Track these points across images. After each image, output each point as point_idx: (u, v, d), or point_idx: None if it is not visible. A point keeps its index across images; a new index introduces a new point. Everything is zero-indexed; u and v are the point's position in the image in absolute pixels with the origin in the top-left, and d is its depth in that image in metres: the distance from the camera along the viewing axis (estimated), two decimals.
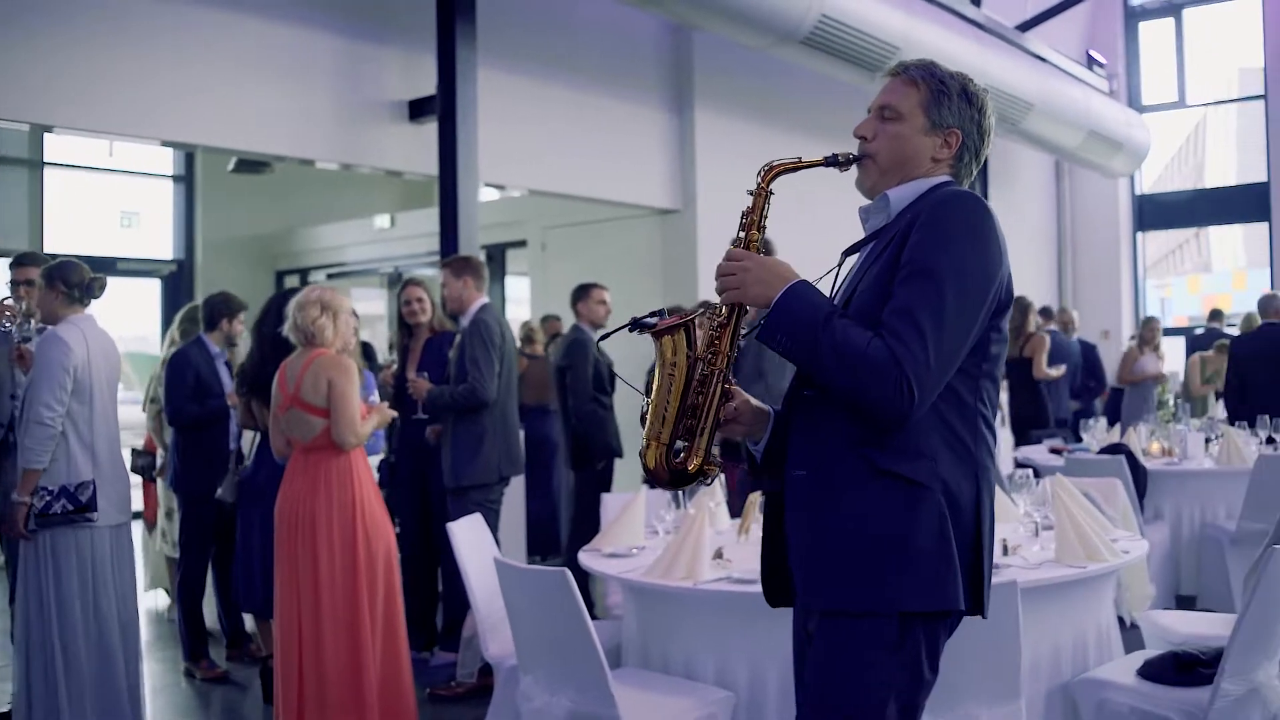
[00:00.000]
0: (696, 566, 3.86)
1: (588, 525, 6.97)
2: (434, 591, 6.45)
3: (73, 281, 4.87)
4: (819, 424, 2.43)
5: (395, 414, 5.16)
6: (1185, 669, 3.67)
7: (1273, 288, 15.37)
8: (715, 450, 2.54)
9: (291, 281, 14.50)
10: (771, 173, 2.54)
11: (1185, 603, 6.84)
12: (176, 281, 12.90)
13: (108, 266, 12.00)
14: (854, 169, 2.59)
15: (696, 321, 2.52)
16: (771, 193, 2.55)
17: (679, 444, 2.48)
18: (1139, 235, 17.31)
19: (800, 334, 2.32)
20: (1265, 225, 16.01)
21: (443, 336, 6.34)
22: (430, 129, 8.20)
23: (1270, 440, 7.32)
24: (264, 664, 5.70)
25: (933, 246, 2.32)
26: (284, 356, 5.47)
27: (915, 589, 2.30)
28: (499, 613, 4.42)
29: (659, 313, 2.54)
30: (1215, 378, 11.56)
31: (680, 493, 4.55)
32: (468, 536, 4.59)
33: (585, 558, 4.46)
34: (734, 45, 9.49)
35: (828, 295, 2.53)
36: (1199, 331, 13.27)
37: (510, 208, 12.24)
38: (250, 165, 11.53)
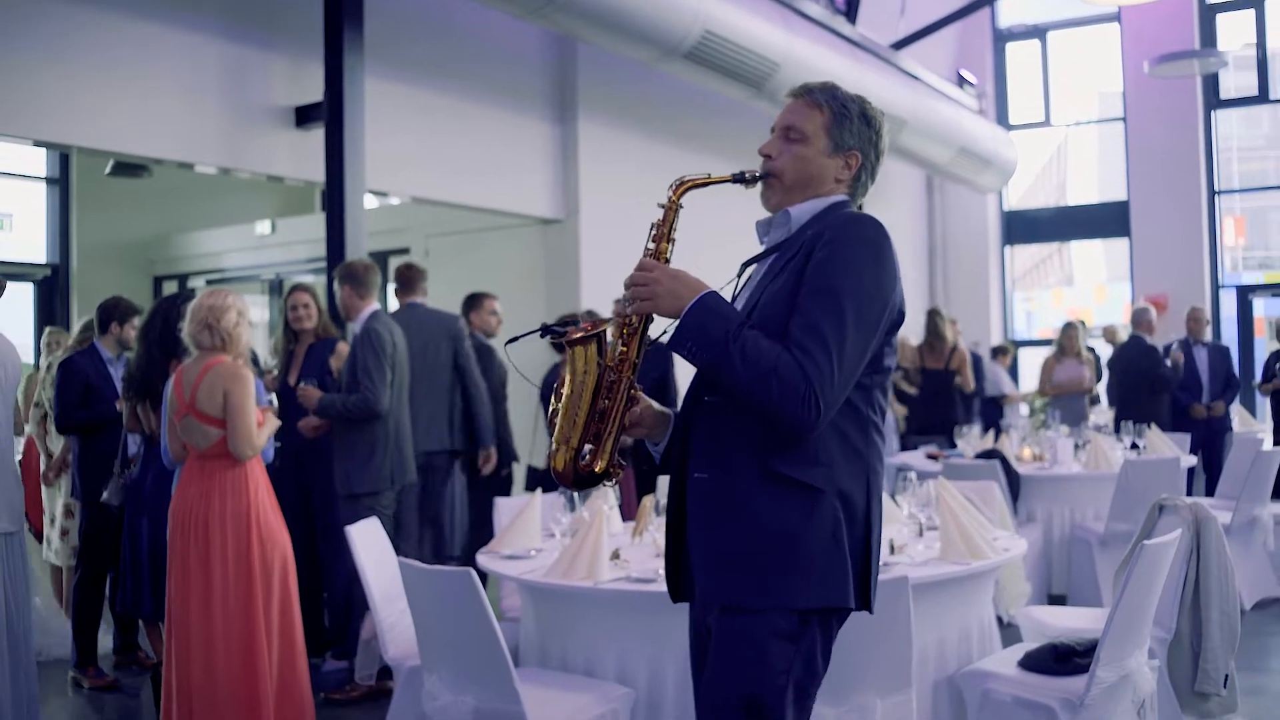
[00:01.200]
0: (596, 567, 3.95)
1: (483, 529, 7.03)
2: (319, 597, 6.42)
3: None
4: (720, 429, 2.52)
5: (279, 423, 5.14)
6: (1063, 659, 3.86)
7: (1132, 301, 16.03)
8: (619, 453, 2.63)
9: (170, 287, 14.24)
10: (682, 187, 2.64)
11: (1056, 601, 7.11)
12: (51, 286, 12.56)
13: None
14: (758, 186, 2.70)
15: (608, 330, 2.60)
16: (681, 206, 2.64)
17: (586, 447, 2.58)
18: (1007, 249, 17.85)
19: (709, 344, 2.41)
20: (1125, 241, 16.64)
21: (324, 343, 6.33)
22: (316, 135, 8.16)
23: (1134, 446, 7.64)
24: (154, 671, 5.64)
25: (838, 267, 2.43)
26: (169, 361, 5.45)
27: (810, 587, 2.42)
28: (397, 614, 4.47)
29: (571, 321, 2.64)
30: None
31: (575, 496, 4.63)
32: (365, 540, 4.61)
33: (484, 560, 4.52)
34: (618, 57, 9.61)
35: (733, 303, 2.64)
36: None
37: (393, 215, 12.20)
38: (128, 168, 11.34)
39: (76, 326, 7.22)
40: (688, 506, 2.59)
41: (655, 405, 2.69)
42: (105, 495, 5.78)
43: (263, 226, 13.43)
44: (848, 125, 2.63)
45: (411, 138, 9.08)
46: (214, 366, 4.77)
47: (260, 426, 4.85)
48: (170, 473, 5.21)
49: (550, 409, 2.65)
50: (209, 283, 13.96)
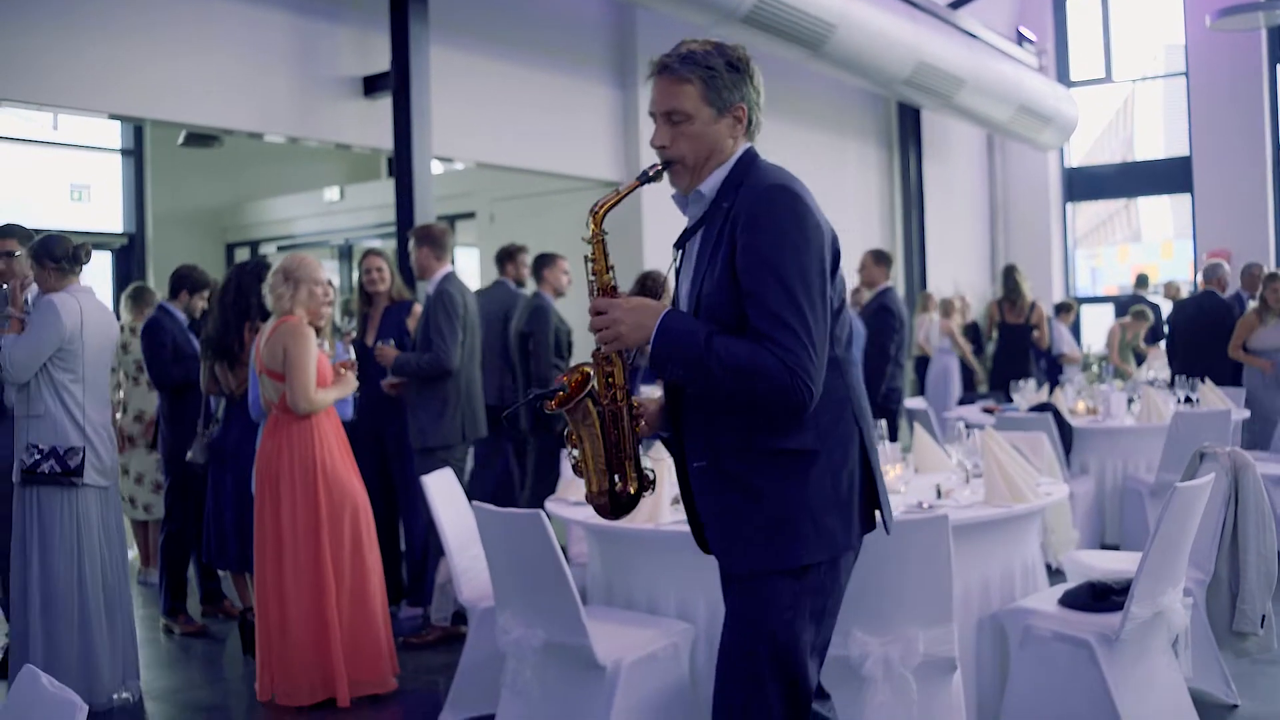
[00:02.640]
0: (658, 510, 4.18)
1: (545, 485, 7.29)
2: (396, 548, 6.72)
3: (58, 255, 5.05)
4: (708, 418, 2.65)
5: (357, 384, 5.40)
6: (1100, 596, 4.05)
7: (1195, 257, 15.98)
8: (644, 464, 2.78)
9: (242, 254, 14.64)
10: (599, 214, 2.69)
11: (1109, 549, 7.25)
12: (128, 255, 12.97)
13: None
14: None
15: (592, 380, 2.70)
16: (606, 233, 2.70)
17: (615, 479, 2.73)
18: (1068, 206, 17.82)
19: (689, 362, 2.51)
20: (1188, 197, 16.56)
21: (400, 305, 6.59)
22: (383, 104, 8.42)
23: (1188, 400, 7.74)
24: (242, 617, 5.95)
25: (767, 247, 2.50)
26: (244, 324, 5.74)
27: (813, 545, 2.59)
28: (470, 560, 4.74)
29: (560, 387, 2.71)
30: (1135, 341, 12.08)
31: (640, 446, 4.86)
32: (440, 489, 4.88)
33: (553, 506, 4.76)
34: (677, 21, 9.76)
35: (677, 283, 2.79)
36: (1125, 299, 13.78)
37: (459, 180, 12.46)
38: (199, 139, 11.66)
39: (123, 295, 7.56)
40: (694, 491, 2.74)
41: (654, 405, 2.81)
42: (191, 454, 6.09)
43: (331, 193, 13.75)
44: (720, 83, 2.65)
45: (475, 104, 9.32)
46: (280, 326, 5.05)
47: (328, 384, 5.09)
48: (251, 430, 5.51)
49: (571, 460, 2.77)
50: (280, 249, 14.34)
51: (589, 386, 2.68)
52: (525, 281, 8.03)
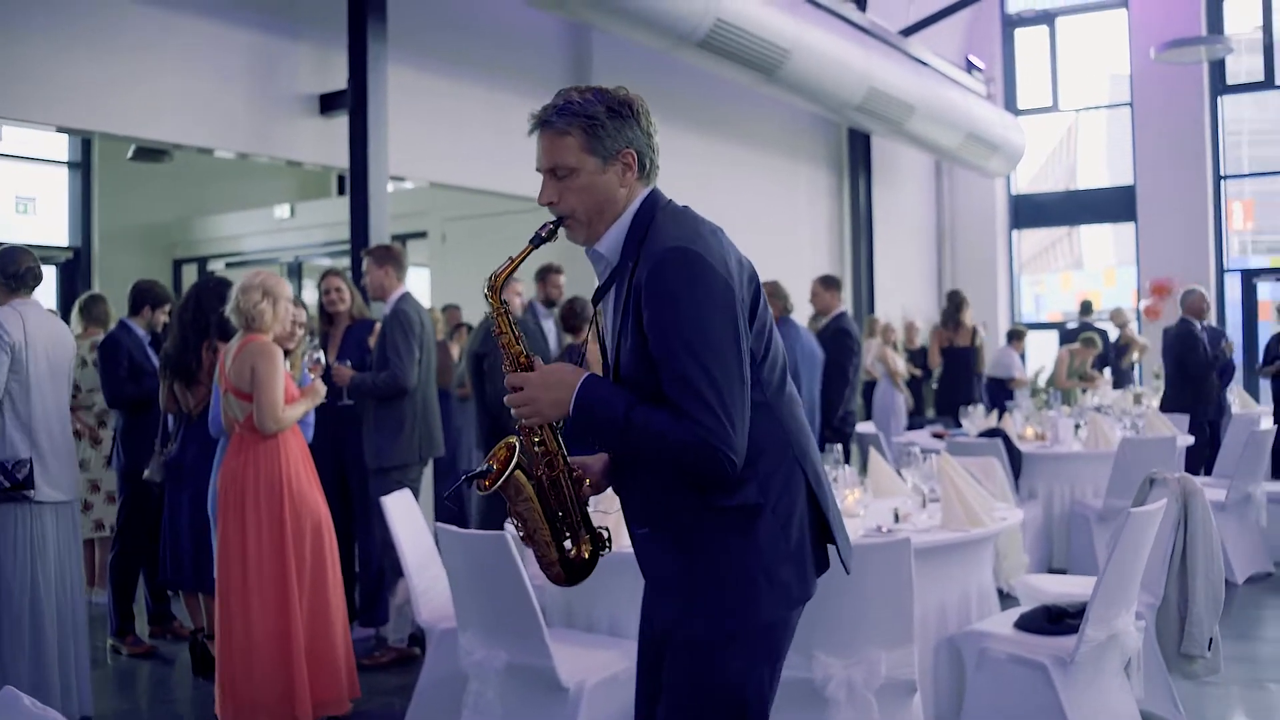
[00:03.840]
0: (621, 532, 4.19)
1: (501, 506, 7.28)
2: (351, 569, 6.69)
3: (9, 271, 5.03)
4: (645, 483, 2.54)
5: (325, 389, 5.37)
6: (1055, 620, 4.12)
7: (1138, 285, 16.26)
8: (595, 524, 2.68)
9: (190, 270, 14.53)
10: (496, 286, 2.59)
11: (1056, 574, 7.35)
12: (73, 269, 12.84)
13: None
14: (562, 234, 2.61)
15: (519, 453, 2.57)
16: (506, 303, 2.59)
17: (567, 543, 2.64)
18: (1014, 233, 18.07)
19: (607, 434, 2.42)
20: (1132, 225, 16.86)
21: (362, 324, 6.58)
22: (340, 122, 8.42)
23: (1132, 426, 7.88)
24: (193, 638, 5.90)
25: (668, 321, 2.37)
26: (203, 342, 5.71)
27: (770, 601, 2.46)
28: (429, 580, 4.74)
29: (488, 469, 2.57)
30: (1083, 367, 12.25)
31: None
32: (399, 510, 4.87)
33: (511, 527, 4.76)
34: (632, 45, 9.83)
35: (602, 338, 2.67)
36: (1071, 325, 13.98)
37: (411, 199, 12.45)
38: (148, 153, 11.54)
39: (75, 305, 7.50)
40: (636, 555, 2.64)
41: (598, 463, 2.70)
42: (148, 472, 6.04)
43: (282, 210, 13.69)
44: (602, 133, 2.52)
45: (430, 124, 9.33)
46: (247, 344, 5.02)
47: (290, 404, 5.08)
48: (208, 449, 5.47)
49: (518, 534, 2.69)
50: (228, 266, 14.24)
51: (514, 459, 2.56)
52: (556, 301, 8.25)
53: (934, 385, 12.92)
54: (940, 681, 4.25)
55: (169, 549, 5.83)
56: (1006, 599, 5.43)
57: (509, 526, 4.83)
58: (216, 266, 14.28)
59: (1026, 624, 4.16)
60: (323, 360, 5.43)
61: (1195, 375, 9.59)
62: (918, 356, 13.97)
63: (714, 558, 2.46)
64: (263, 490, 4.97)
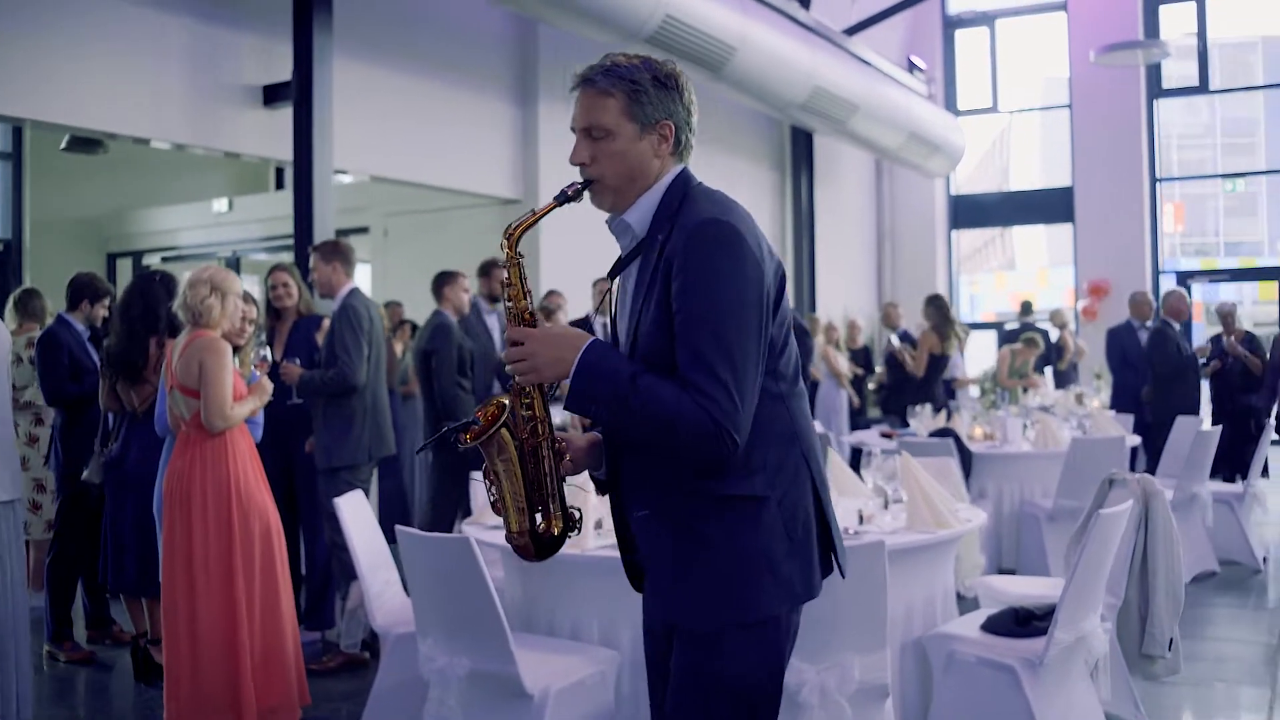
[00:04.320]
0: (583, 535, 4.12)
1: (447, 505, 7.18)
2: (297, 571, 6.55)
3: None
4: (648, 465, 2.47)
5: (272, 386, 5.23)
6: (1023, 622, 4.10)
7: (1075, 285, 16.43)
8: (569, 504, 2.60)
9: (124, 264, 14.26)
10: (514, 236, 2.51)
11: (1006, 574, 7.36)
12: (3, 262, 12.52)
13: None
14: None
15: (508, 413, 2.51)
16: (522, 256, 2.52)
17: (537, 516, 2.55)
18: (953, 233, 18.20)
19: (608, 402, 2.34)
20: (1067, 226, 17.04)
21: (309, 320, 6.44)
22: (284, 114, 8.27)
23: (1079, 425, 7.93)
24: (134, 643, 5.75)
25: (699, 290, 2.33)
26: (149, 338, 5.56)
27: (775, 595, 2.41)
28: (382, 583, 4.64)
29: (473, 420, 2.52)
30: (1025, 367, 12.32)
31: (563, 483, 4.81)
32: (352, 511, 4.76)
33: (470, 530, 4.67)
34: (579, 39, 9.76)
35: (614, 313, 2.62)
36: (1010, 326, 14.07)
37: (352, 194, 12.28)
38: (83, 144, 11.34)
39: (10, 300, 7.31)
40: (637, 541, 2.57)
41: (583, 441, 2.62)
42: (87, 473, 5.86)
43: (220, 204, 13.47)
44: (645, 98, 2.47)
45: (374, 117, 9.20)
46: (194, 340, 4.88)
47: (238, 401, 4.94)
48: (153, 448, 5.32)
49: (489, 497, 2.59)
50: (164, 260, 13.99)
51: (503, 418, 2.49)
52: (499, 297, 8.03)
53: (879, 381, 13.01)
54: (907, 684, 4.22)
55: (110, 552, 5.66)
56: (963, 601, 5.42)
57: (463, 528, 4.75)
58: (152, 260, 14.03)
59: (994, 626, 4.14)
60: (270, 357, 5.29)
61: (1176, 375, 9.66)
62: (859, 355, 14.02)
63: (717, 547, 2.40)
64: (210, 491, 4.83)
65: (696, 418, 2.27)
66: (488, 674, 3.72)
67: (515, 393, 2.51)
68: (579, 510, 2.62)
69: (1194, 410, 9.79)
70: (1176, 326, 9.80)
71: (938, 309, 10.92)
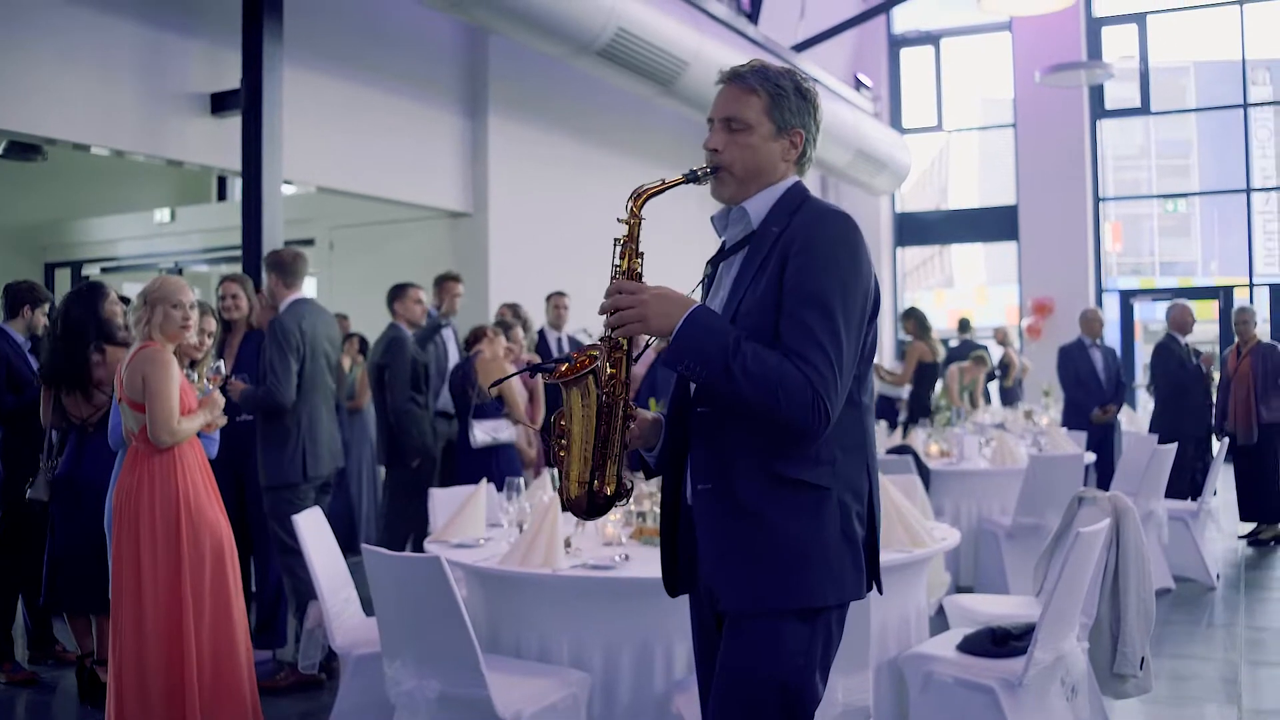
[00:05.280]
0: (553, 554, 4.03)
1: (402, 523, 7.05)
2: (247, 588, 6.38)
3: None
4: (719, 439, 2.53)
5: (223, 400, 5.07)
6: (1000, 642, 4.05)
7: (1020, 302, 16.55)
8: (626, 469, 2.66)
9: (63, 274, 13.95)
10: (642, 198, 2.62)
11: (964, 591, 7.34)
12: None
13: None
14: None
15: (599, 361, 2.59)
16: (643, 218, 2.63)
17: (596, 475, 2.60)
18: (898, 251, 18.27)
19: (708, 361, 2.40)
20: (1009, 244, 17.16)
21: (258, 333, 6.29)
22: (231, 123, 8.09)
23: (1035, 442, 7.93)
24: (80, 663, 5.56)
25: (819, 270, 2.44)
26: (87, 349, 5.39)
27: (824, 585, 2.48)
28: (342, 603, 4.51)
29: (564, 358, 2.61)
30: (974, 386, 12.36)
31: (521, 484, 4.72)
32: (310, 529, 4.63)
33: (433, 548, 4.56)
34: (529, 52, 9.67)
35: (703, 301, 2.69)
36: (954, 343, 14.09)
37: (298, 205, 12.08)
38: (20, 150, 11.06)
39: None
40: (695, 518, 2.60)
41: (649, 415, 2.71)
42: (31, 490, 5.66)
43: (162, 214, 13.21)
44: (786, 104, 2.60)
45: (321, 127, 9.05)
46: (139, 352, 4.72)
47: (189, 414, 4.78)
48: (103, 461, 5.14)
49: (554, 445, 2.64)
50: (104, 271, 13.71)
51: (595, 365, 2.57)
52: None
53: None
54: (882, 705, 4.14)
55: (53, 570, 5.47)
56: (935, 616, 5.37)
57: (427, 546, 4.63)
58: (92, 271, 13.74)
59: (971, 646, 4.09)
60: (223, 370, 5.13)
61: (1182, 391, 9.69)
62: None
63: (777, 528, 2.47)
64: (158, 507, 4.66)
65: (798, 383, 2.36)
66: (458, 697, 3.61)
67: (607, 348, 2.58)
68: (632, 482, 2.67)
69: (1205, 427, 9.81)
70: (1182, 340, 9.81)
71: (918, 321, 10.93)
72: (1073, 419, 10.00)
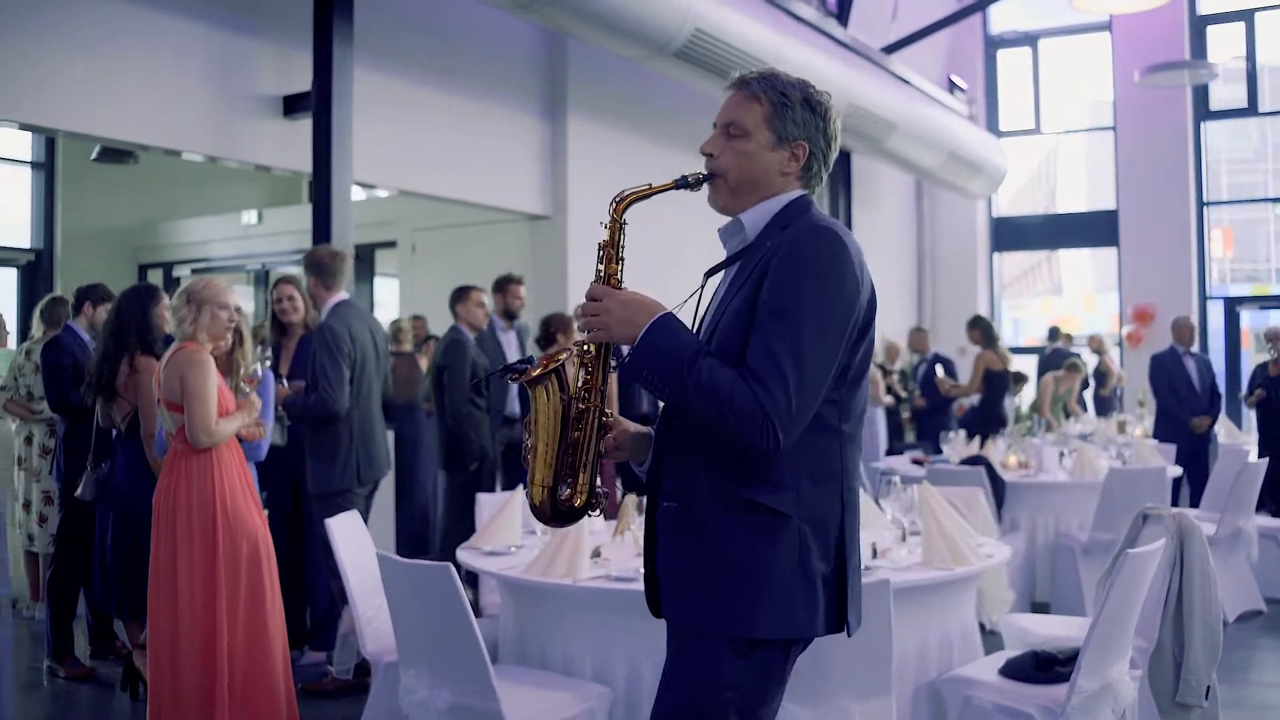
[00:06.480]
0: (576, 564, 3.91)
1: (461, 527, 6.98)
2: (303, 591, 6.37)
3: None
4: (688, 456, 2.46)
5: (260, 403, 5.03)
6: (1044, 667, 3.83)
7: (1120, 310, 16.07)
8: (598, 481, 2.58)
9: (155, 275, 14.20)
10: (624, 203, 2.54)
11: (1040, 609, 7.06)
12: (34, 271, 12.47)
13: None
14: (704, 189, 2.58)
15: (566, 362, 2.54)
16: (625, 223, 2.54)
17: (564, 483, 2.53)
18: (995, 256, 17.87)
19: (665, 372, 2.33)
20: (1114, 250, 16.67)
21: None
22: (303, 125, 8.10)
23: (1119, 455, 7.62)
24: (128, 658, 5.57)
25: (790, 286, 2.33)
26: (121, 356, 5.40)
27: (767, 617, 2.35)
28: (375, 609, 4.42)
29: (529, 360, 2.57)
30: (1068, 395, 12.00)
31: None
32: (345, 534, 4.56)
33: (464, 555, 4.47)
34: (608, 55, 9.56)
35: (693, 316, 2.59)
36: (1048, 352, 13.72)
37: (381, 208, 12.16)
38: (114, 155, 11.25)
39: (36, 309, 7.22)
40: (657, 533, 2.53)
41: (633, 427, 2.63)
42: (80, 490, 5.70)
43: (249, 216, 13.36)
44: (790, 115, 2.50)
45: (400, 130, 9.03)
46: (177, 353, 4.70)
47: (227, 416, 4.75)
48: (138, 468, 5.15)
49: (523, 447, 2.59)
50: (194, 272, 13.90)
51: (555, 367, 2.51)
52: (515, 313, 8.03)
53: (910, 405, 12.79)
54: None
55: (98, 570, 5.48)
56: (990, 636, 5.16)
57: (458, 553, 4.54)
58: (182, 272, 13.96)
59: (1013, 671, 3.87)
60: (260, 373, 5.09)
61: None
62: (899, 379, 13.78)
63: (725, 551, 2.38)
64: (195, 509, 4.64)
65: (749, 405, 2.26)
66: (469, 709, 3.51)
67: (580, 353, 2.53)
68: (605, 494, 2.61)
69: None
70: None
71: (984, 330, 10.65)
72: (1165, 430, 9.63)
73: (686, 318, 2.56)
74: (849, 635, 2.49)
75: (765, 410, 2.26)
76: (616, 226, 2.53)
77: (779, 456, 2.33)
